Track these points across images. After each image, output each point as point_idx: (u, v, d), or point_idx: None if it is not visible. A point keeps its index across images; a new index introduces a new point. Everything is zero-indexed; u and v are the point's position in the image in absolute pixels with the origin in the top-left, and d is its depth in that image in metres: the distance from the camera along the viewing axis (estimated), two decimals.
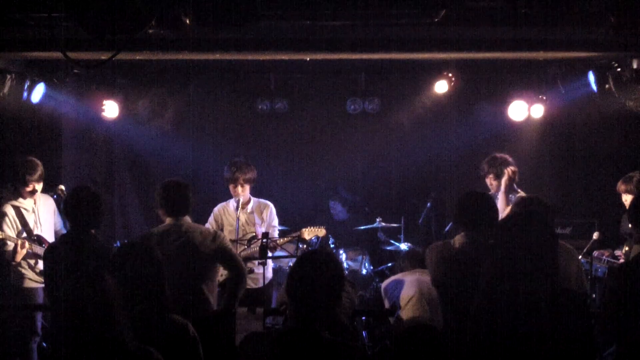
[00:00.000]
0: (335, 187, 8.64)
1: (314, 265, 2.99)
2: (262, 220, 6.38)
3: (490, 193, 6.42)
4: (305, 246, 6.48)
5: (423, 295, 5.06)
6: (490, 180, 6.50)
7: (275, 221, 6.50)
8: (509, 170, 6.28)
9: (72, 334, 2.75)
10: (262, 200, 6.51)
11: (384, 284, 5.56)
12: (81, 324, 2.74)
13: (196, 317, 4.47)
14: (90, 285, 2.79)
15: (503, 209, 5.92)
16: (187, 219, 4.99)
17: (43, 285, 5.65)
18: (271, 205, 6.48)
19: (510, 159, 6.44)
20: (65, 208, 4.86)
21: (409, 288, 5.17)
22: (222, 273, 5.35)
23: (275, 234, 6.45)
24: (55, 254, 4.69)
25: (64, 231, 5.92)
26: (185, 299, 4.64)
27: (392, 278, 5.52)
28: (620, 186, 5.91)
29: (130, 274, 3.38)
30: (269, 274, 6.30)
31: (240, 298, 4.95)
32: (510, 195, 6.46)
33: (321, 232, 6.59)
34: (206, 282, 4.87)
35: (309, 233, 6.53)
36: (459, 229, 4.46)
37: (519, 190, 6.61)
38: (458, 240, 4.35)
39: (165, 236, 4.83)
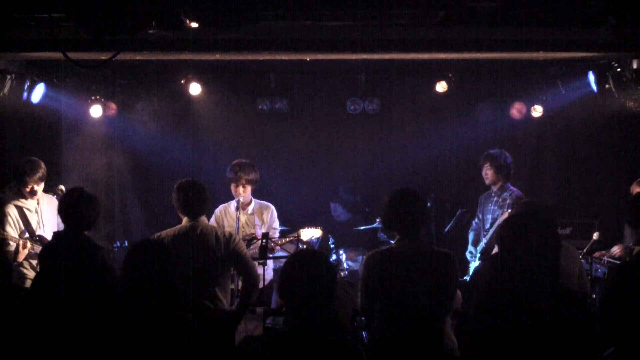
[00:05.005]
0: (335, 188, 8.63)
1: (302, 264, 2.99)
2: (263, 221, 6.38)
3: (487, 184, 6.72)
4: (305, 247, 6.48)
5: None
6: (485, 170, 6.61)
7: (276, 223, 6.49)
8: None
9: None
10: (263, 202, 6.51)
11: None
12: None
13: (207, 317, 4.49)
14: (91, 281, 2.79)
15: None
16: (204, 219, 4.97)
17: None
18: (272, 207, 6.48)
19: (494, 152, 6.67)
20: (60, 208, 4.84)
21: None
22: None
23: (276, 235, 6.44)
24: (51, 254, 4.68)
25: None
26: (198, 299, 4.67)
27: None
28: (636, 188, 5.84)
29: (141, 269, 3.38)
30: (269, 274, 6.29)
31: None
32: (505, 194, 6.52)
33: (317, 232, 6.59)
34: (219, 283, 4.86)
35: (306, 234, 6.52)
36: (394, 233, 4.07)
37: (514, 188, 6.64)
38: (398, 246, 4.01)
39: (180, 237, 4.81)
